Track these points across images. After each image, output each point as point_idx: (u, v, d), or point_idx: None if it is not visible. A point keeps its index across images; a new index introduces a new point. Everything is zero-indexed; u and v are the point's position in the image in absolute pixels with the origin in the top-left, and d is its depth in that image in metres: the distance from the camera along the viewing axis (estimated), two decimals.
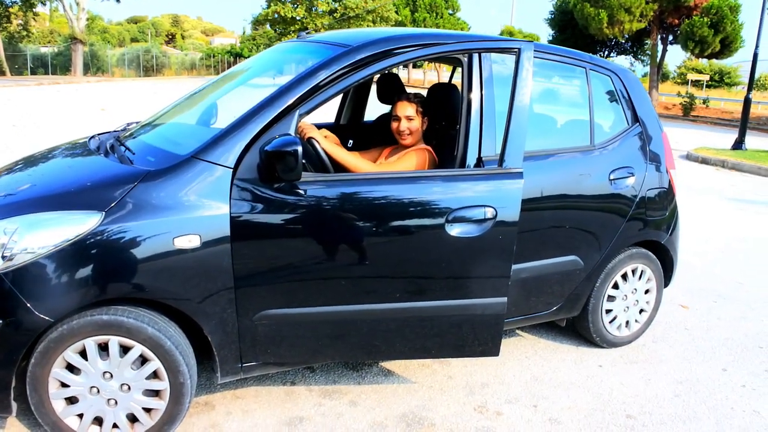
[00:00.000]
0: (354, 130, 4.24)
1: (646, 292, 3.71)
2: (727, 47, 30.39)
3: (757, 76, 50.38)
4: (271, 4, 44.29)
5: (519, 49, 2.61)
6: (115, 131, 3.36)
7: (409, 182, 2.54)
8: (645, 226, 3.50)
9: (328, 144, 2.80)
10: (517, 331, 3.85)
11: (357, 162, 2.82)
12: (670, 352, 3.71)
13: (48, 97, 20.48)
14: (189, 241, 2.34)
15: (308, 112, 2.50)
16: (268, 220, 2.42)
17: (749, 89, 14.34)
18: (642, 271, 3.63)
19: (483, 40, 2.72)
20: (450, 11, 51.45)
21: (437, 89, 3.36)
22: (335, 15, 43.55)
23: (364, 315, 2.58)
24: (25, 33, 39.85)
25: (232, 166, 2.40)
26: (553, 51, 3.23)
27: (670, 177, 3.61)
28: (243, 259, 2.42)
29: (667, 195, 3.59)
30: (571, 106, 3.55)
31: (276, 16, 44.37)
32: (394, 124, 3.11)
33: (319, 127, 4.35)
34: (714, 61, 40.94)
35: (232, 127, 2.44)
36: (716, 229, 6.88)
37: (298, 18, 43.81)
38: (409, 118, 3.06)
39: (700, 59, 39.80)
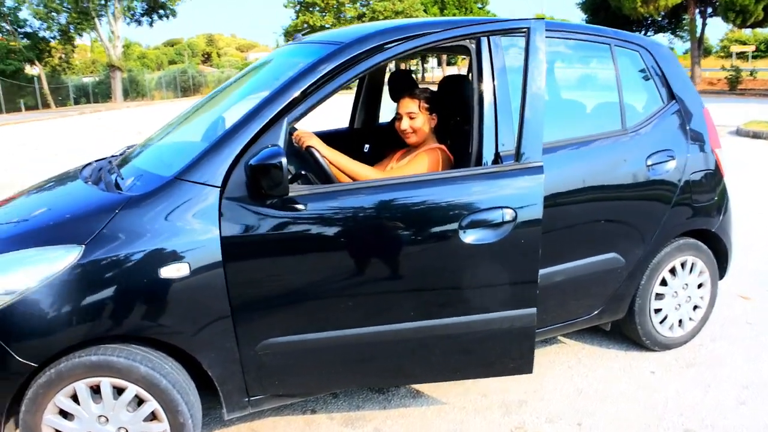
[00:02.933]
0: (370, 134, 4.01)
1: (699, 286, 3.35)
2: None
3: None
4: (300, 14, 44.55)
5: (528, 28, 2.33)
6: (113, 156, 3.20)
7: (415, 187, 2.28)
8: (692, 214, 3.15)
9: (329, 152, 2.57)
10: (558, 337, 3.54)
11: (361, 169, 2.58)
12: (731, 351, 3.34)
13: (89, 125, 20.95)
14: (177, 270, 2.14)
15: (298, 119, 2.27)
16: (263, 240, 2.20)
17: None
18: (693, 263, 3.28)
19: (484, 23, 2.44)
20: (479, 5, 50.82)
21: (448, 82, 3.10)
22: (364, 19, 43.50)
23: (377, 338, 2.33)
24: (66, 65, 41.06)
25: (219, 185, 2.19)
26: (571, 28, 2.92)
27: (716, 157, 3.25)
28: (239, 284, 2.21)
29: (714, 177, 3.22)
30: (597, 87, 3.24)
31: (305, 26, 44.60)
32: (397, 123, 2.86)
33: (329, 134, 4.16)
34: (758, 30, 39.18)
35: (217, 143, 2.23)
36: None
37: (327, 26, 43.94)
38: (411, 116, 2.80)
39: (742, 30, 38.18)
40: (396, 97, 3.47)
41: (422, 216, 2.26)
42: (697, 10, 30.64)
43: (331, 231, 2.23)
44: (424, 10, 44.78)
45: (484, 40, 2.56)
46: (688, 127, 3.14)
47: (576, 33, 2.90)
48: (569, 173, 2.78)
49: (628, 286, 3.08)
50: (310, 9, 44.34)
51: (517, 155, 2.31)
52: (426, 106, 2.82)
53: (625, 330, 3.32)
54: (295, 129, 2.75)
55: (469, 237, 2.26)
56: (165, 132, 3.07)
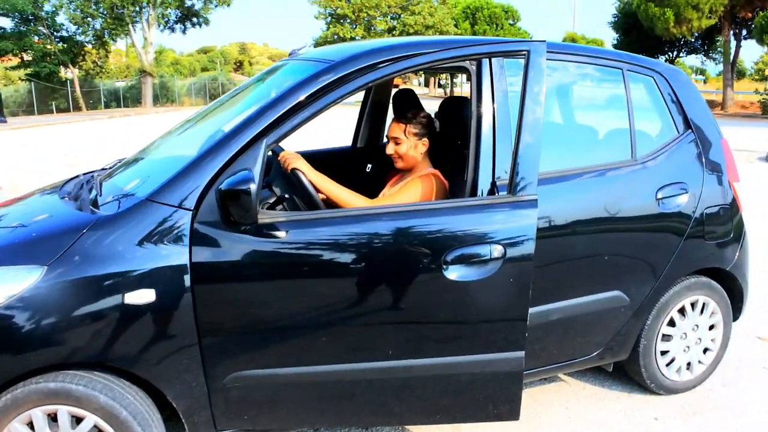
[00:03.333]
0: (372, 153, 3.88)
1: (711, 327, 3.15)
2: None
3: None
4: (330, 26, 44.82)
5: (528, 51, 2.18)
6: (102, 169, 3.12)
7: (398, 218, 2.14)
8: (705, 251, 2.96)
9: (315, 175, 2.45)
10: (560, 375, 3.35)
11: (347, 196, 2.45)
12: (744, 398, 3.12)
13: (116, 128, 21.22)
14: (142, 296, 2.03)
15: (277, 141, 2.15)
16: (235, 267, 2.08)
17: None
18: (704, 303, 3.08)
19: (480, 44, 2.30)
20: (510, 21, 50.61)
21: (448, 104, 2.96)
22: (394, 33, 43.58)
23: (354, 376, 2.19)
24: (100, 69, 41.82)
25: (192, 208, 2.07)
26: (578, 51, 2.76)
27: (734, 191, 3.05)
28: (208, 314, 2.09)
29: (730, 212, 3.03)
30: (607, 114, 3.06)
31: (335, 37, 44.84)
32: (387, 146, 2.74)
33: (331, 152, 4.04)
34: None
35: (191, 164, 2.12)
36: None
37: (357, 38, 44.12)
38: (397, 141, 2.67)
39: None
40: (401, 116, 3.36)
41: (404, 249, 2.12)
42: (732, 32, 30.14)
43: (307, 261, 2.10)
44: (455, 25, 44.76)
45: (485, 62, 2.42)
46: (704, 159, 2.96)
47: (585, 56, 2.74)
48: (572, 204, 2.62)
49: (633, 326, 2.89)
50: (341, 21, 44.60)
51: (511, 187, 2.16)
52: (414, 131, 2.69)
53: (629, 371, 3.12)
54: (282, 149, 2.64)
55: (453, 273, 2.11)
56: (158, 144, 2.98)
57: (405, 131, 2.66)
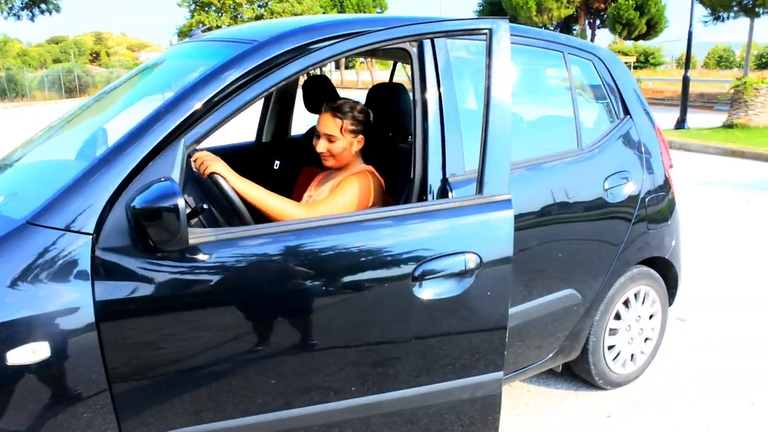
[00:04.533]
0: (280, 148, 3.47)
1: (651, 317, 3.08)
2: (653, 28, 30.96)
3: (679, 55, 51.86)
4: (195, 14, 42.74)
5: (489, 29, 1.90)
6: None
7: (351, 229, 1.76)
8: (648, 240, 2.87)
9: (238, 181, 2.02)
10: None
11: (281, 205, 2.05)
12: (683, 382, 3.09)
13: None
14: (32, 352, 1.53)
15: (199, 140, 1.72)
16: (154, 303, 1.63)
17: (686, 68, 14.20)
18: (645, 293, 3.00)
19: (436, 22, 1.98)
20: (378, 10, 50.86)
21: (378, 92, 2.63)
22: (262, 20, 42.29)
23: (309, 421, 1.82)
24: None
25: (92, 231, 1.59)
26: (522, 33, 2.53)
27: (668, 177, 2.99)
28: (122, 365, 1.62)
29: (667, 199, 2.96)
30: (550, 101, 2.88)
31: (201, 26, 42.80)
32: (314, 142, 2.37)
33: (232, 149, 3.58)
34: (639, 42, 41.73)
35: (86, 173, 1.63)
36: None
37: (224, 26, 42.35)
38: (330, 138, 2.32)
39: (626, 42, 40.49)
40: (312, 106, 2.98)
41: (365, 266, 1.77)
42: (587, 22, 32.16)
43: (245, 289, 1.70)
44: (324, 13, 44.27)
45: (426, 43, 2.12)
46: (642, 146, 2.85)
47: (529, 38, 2.52)
48: (522, 200, 2.38)
49: (584, 324, 2.74)
50: (206, 9, 42.70)
51: (480, 185, 1.87)
52: (351, 128, 2.34)
53: (577, 370, 2.98)
54: (195, 150, 2.19)
55: (425, 291, 1.79)
56: (31, 146, 2.41)
57: (341, 128, 2.30)
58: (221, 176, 1.97)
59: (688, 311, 3.97)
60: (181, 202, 1.48)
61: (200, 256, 1.65)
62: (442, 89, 2.12)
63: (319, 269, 1.73)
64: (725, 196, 7.31)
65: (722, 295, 4.23)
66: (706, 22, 24.47)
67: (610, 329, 2.90)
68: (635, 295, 2.96)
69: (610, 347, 2.94)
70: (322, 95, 2.86)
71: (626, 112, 2.84)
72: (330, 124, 2.30)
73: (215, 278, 1.66)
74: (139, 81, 2.67)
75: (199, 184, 2.11)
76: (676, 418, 2.79)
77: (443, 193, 2.08)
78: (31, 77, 45.40)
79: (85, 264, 1.58)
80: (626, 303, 2.93)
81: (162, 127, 1.67)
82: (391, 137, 2.60)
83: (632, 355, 3.05)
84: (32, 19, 37.22)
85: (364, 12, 46.85)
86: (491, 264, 1.85)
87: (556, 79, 2.71)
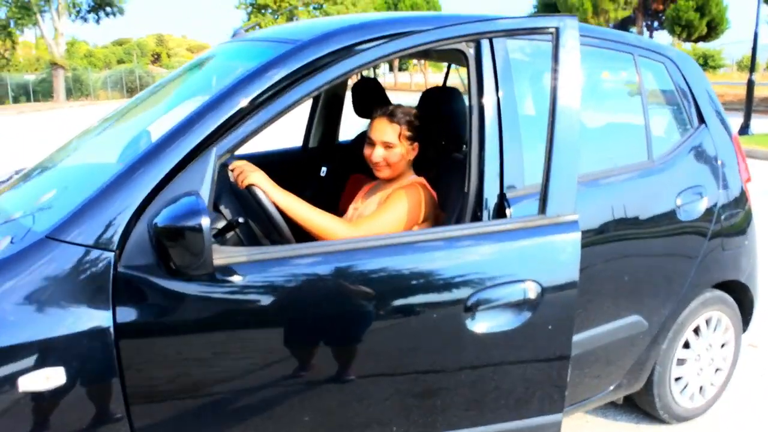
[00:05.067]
0: (327, 154, 3.33)
1: (722, 345, 2.81)
2: (713, 30, 29.79)
3: (740, 57, 49.92)
4: (251, 16, 43.39)
5: (556, 28, 1.69)
6: None
7: (396, 252, 1.58)
8: (723, 262, 2.60)
9: (280, 194, 1.86)
10: None
11: (326, 221, 1.88)
12: (757, 419, 2.80)
13: (27, 125, 19.48)
14: (46, 378, 1.40)
15: (232, 150, 1.57)
16: (179, 328, 1.49)
17: (752, 71, 13.50)
18: (718, 319, 2.72)
19: (496, 20, 1.78)
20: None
21: (432, 96, 2.44)
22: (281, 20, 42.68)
23: None
24: (6, 61, 38.71)
25: (115, 248, 1.46)
26: (588, 32, 2.30)
27: (746, 192, 2.71)
28: (143, 394, 1.49)
29: (745, 218, 2.68)
30: (618, 107, 2.64)
31: (257, 28, 43.38)
32: (368, 151, 2.17)
33: (277, 154, 3.45)
34: (698, 45, 40.30)
35: (110, 185, 1.51)
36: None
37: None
38: (389, 146, 2.13)
39: (685, 44, 39.21)
40: (363, 111, 2.82)
41: (412, 292, 1.59)
42: (645, 24, 31.19)
43: (279, 315, 1.54)
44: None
45: (485, 44, 1.92)
46: (718, 158, 2.58)
47: (596, 38, 2.28)
48: (588, 218, 2.16)
49: (650, 353, 2.49)
50: (263, 11, 43.27)
51: (543, 204, 1.67)
52: (408, 134, 2.16)
53: (639, 402, 2.73)
54: (234, 158, 2.04)
55: (479, 324, 1.60)
56: (70, 150, 2.32)
57: (399, 134, 2.13)
58: (260, 188, 1.81)
59: (759, 336, 3.64)
60: (205, 221, 1.33)
61: (230, 278, 1.50)
62: (501, 94, 1.93)
63: (361, 294, 1.56)
64: None
65: None
66: None
67: (678, 359, 2.64)
68: (707, 322, 2.69)
69: (678, 379, 2.68)
70: (372, 99, 2.71)
71: (701, 120, 2.58)
72: (387, 130, 2.13)
73: (247, 302, 1.51)
74: (185, 80, 2.56)
75: (237, 195, 1.96)
76: None
77: (500, 209, 1.88)
78: (96, 77, 46.98)
79: (106, 283, 1.45)
80: (696, 330, 2.67)
81: (193, 136, 1.53)
82: (445, 146, 2.42)
83: (701, 388, 2.78)
84: (98, 21, 38.47)
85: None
86: (554, 295, 1.64)
87: (624, 82, 2.47)
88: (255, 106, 1.57)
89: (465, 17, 1.88)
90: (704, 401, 2.80)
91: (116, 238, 1.46)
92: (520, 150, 1.95)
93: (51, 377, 1.41)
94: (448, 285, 1.59)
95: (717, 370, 2.82)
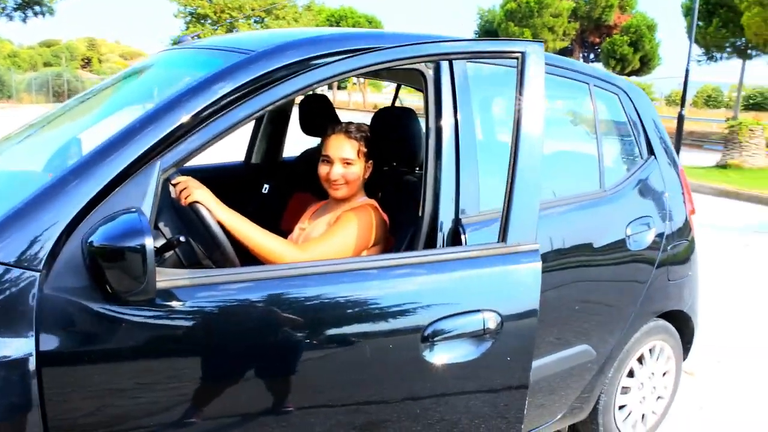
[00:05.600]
0: (271, 171, 3.21)
1: (664, 374, 2.83)
2: (646, 65, 31.26)
3: (668, 92, 52.56)
4: (190, 26, 42.59)
5: (522, 53, 1.66)
6: None
7: (349, 278, 1.50)
8: (668, 292, 2.63)
9: (224, 213, 1.74)
10: None
11: (273, 243, 1.77)
12: None
13: None
14: None
15: (179, 164, 1.45)
16: (111, 357, 1.35)
17: (682, 105, 14.16)
18: (661, 348, 2.75)
19: (461, 41, 1.73)
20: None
21: (384, 116, 2.38)
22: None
23: None
24: None
25: (41, 268, 1.31)
26: (550, 60, 2.29)
27: (690, 223, 2.76)
28: (65, 430, 1.34)
29: (689, 249, 2.73)
30: (570, 135, 2.65)
31: (195, 37, 42.64)
32: (323, 169, 2.08)
33: (218, 169, 3.30)
34: (633, 78, 42.21)
35: (39, 195, 1.36)
36: None
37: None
38: (347, 162, 2.05)
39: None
40: (310, 128, 2.73)
41: (364, 320, 1.50)
42: (582, 55, 32.42)
43: (222, 343, 1.42)
44: None
45: (444, 65, 1.88)
46: (665, 189, 2.62)
47: (555, 66, 2.28)
48: (541, 246, 2.14)
49: (596, 382, 2.48)
50: (202, 21, 42.55)
51: (503, 232, 1.62)
52: (365, 150, 2.09)
53: (583, 430, 2.71)
54: (177, 173, 1.91)
55: (438, 355, 1.52)
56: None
57: (358, 151, 2.05)
58: (204, 206, 1.69)
59: (694, 364, 3.73)
60: (149, 242, 1.21)
61: (170, 303, 1.37)
62: (459, 116, 1.89)
63: (309, 322, 1.46)
64: (723, 239, 7.13)
65: (728, 346, 4.01)
66: (700, 61, 24.71)
67: (622, 387, 2.64)
68: (650, 351, 2.71)
69: (621, 407, 2.68)
70: (321, 116, 2.62)
71: (650, 151, 2.62)
72: (346, 146, 2.04)
73: (187, 329, 1.38)
74: (122, 87, 2.41)
75: (178, 211, 1.83)
76: None
77: (455, 235, 1.83)
78: (20, 79, 45.00)
79: (29, 307, 1.30)
80: (640, 359, 2.69)
81: (135, 146, 1.40)
82: (395, 167, 2.35)
83: (643, 416, 2.79)
84: (24, 20, 36.77)
85: None
86: (514, 324, 1.59)
87: (581, 112, 2.48)
88: (206, 117, 1.46)
89: (428, 36, 1.83)
90: (645, 429, 2.82)
91: (43, 257, 1.31)
92: (476, 175, 1.91)
93: None
94: (403, 313, 1.52)
95: (658, 398, 2.85)
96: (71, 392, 1.33)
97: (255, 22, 43.42)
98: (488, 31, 36.72)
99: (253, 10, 42.10)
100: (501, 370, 1.60)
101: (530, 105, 1.64)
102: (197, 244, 1.80)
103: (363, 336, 1.48)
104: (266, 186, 3.13)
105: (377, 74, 2.41)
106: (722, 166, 12.48)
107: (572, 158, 2.62)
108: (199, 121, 1.45)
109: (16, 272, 1.30)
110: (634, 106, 2.58)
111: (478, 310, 1.56)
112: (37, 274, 1.31)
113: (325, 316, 1.47)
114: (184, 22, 43.30)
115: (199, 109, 1.45)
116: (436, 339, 1.52)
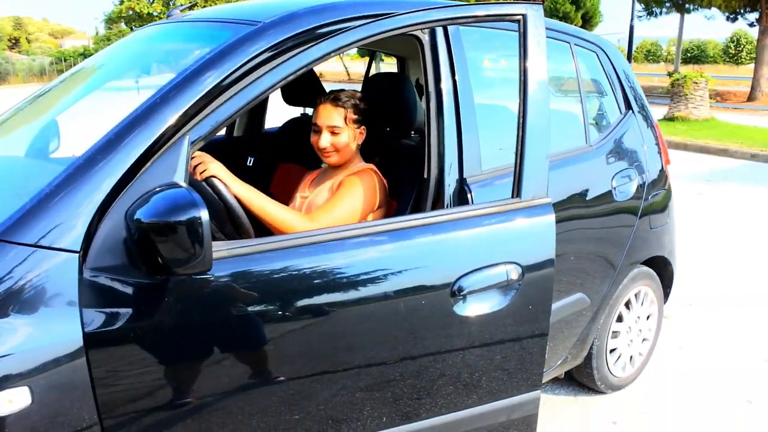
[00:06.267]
0: (254, 144, 3.19)
1: (648, 317, 3.00)
2: (588, 22, 31.61)
3: None
4: (124, 0, 40.95)
5: (523, 15, 1.71)
6: None
7: (380, 240, 1.54)
8: (650, 239, 2.77)
9: (240, 187, 1.76)
10: None
11: (284, 214, 1.81)
12: (680, 385, 3.02)
13: None
14: (8, 401, 1.25)
15: (205, 138, 1.46)
16: (155, 333, 1.37)
17: (629, 61, 14.51)
18: (645, 293, 2.91)
19: (462, 5, 1.76)
20: None
21: (378, 82, 2.41)
22: (196, 8, 40.88)
23: None
24: None
25: (79, 249, 1.32)
26: None
27: (667, 174, 2.90)
28: (117, 408, 1.36)
29: (667, 197, 2.88)
30: (557, 94, 2.72)
31: (131, 12, 41.05)
32: (314, 138, 2.11)
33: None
34: None
35: (70, 176, 1.36)
36: None
37: (155, 14, 40.73)
38: (335, 131, 2.07)
39: None
40: (293, 99, 2.73)
41: (397, 283, 1.55)
42: None
43: (266, 311, 1.45)
44: None
45: (439, 31, 1.92)
46: (643, 142, 2.74)
47: None
48: None
49: (590, 329, 2.62)
50: None
51: (517, 188, 1.69)
52: (354, 117, 2.11)
53: (578, 375, 2.86)
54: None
55: (468, 308, 1.60)
56: None
57: (345, 117, 2.07)
58: (221, 181, 1.71)
59: (668, 308, 3.93)
60: (204, 214, 1.23)
61: (211, 276, 1.39)
62: (457, 77, 1.93)
63: (352, 283, 1.51)
64: (677, 189, 7.41)
65: (696, 290, 4.24)
66: (641, 17, 25.24)
67: (613, 332, 2.79)
68: (636, 296, 2.86)
69: (612, 350, 2.83)
70: (305, 87, 2.62)
71: (628, 106, 2.72)
72: (333, 114, 2.06)
73: (231, 301, 1.41)
74: (102, 67, 2.36)
75: (195, 189, 1.84)
76: (682, 419, 2.72)
77: (461, 195, 1.89)
78: None
79: (71, 288, 1.31)
80: (627, 304, 2.83)
81: (160, 120, 1.40)
82: (390, 132, 2.39)
83: (631, 357, 2.96)
84: None
85: None
86: (534, 276, 1.67)
87: (563, 72, 2.55)
88: (228, 86, 1.47)
89: (427, 3, 1.86)
90: (633, 370, 2.99)
91: (80, 238, 1.32)
92: (476, 136, 1.96)
93: (14, 400, 1.25)
94: (432, 271, 1.58)
95: (644, 340, 3.01)
96: (119, 371, 1.35)
97: None
98: None
99: None
100: (524, 320, 1.69)
101: (535, 65, 1.70)
102: (213, 222, 1.81)
103: (396, 293, 1.54)
104: (250, 159, 3.12)
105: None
106: (669, 118, 12.89)
107: (559, 116, 2.70)
108: (222, 91, 1.46)
109: (53, 255, 1.31)
110: (611, 62, 2.68)
111: (501, 263, 1.64)
112: (76, 255, 1.32)
113: (363, 278, 1.51)
114: None
115: (222, 79, 1.46)
116: (463, 293, 1.59)
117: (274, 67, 1.53)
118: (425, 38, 1.93)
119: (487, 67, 2.50)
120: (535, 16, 1.72)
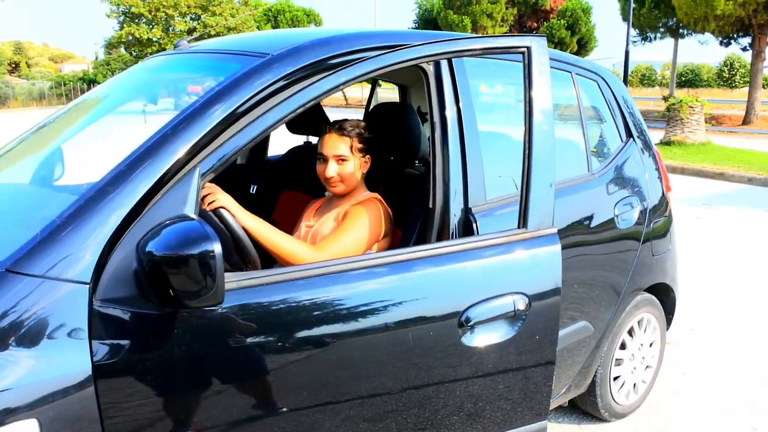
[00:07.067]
0: (257, 171, 3.21)
1: (651, 344, 3.00)
2: (583, 47, 32.08)
3: None
4: (125, 25, 41.33)
5: (528, 48, 1.74)
6: None
7: (387, 271, 1.55)
8: (653, 266, 2.78)
9: (249, 218, 1.78)
10: None
11: (291, 245, 1.81)
12: (681, 413, 3.01)
13: None
14: None
15: (216, 170, 1.48)
16: (166, 366, 1.37)
17: (625, 84, 14.63)
18: (648, 320, 2.91)
19: (469, 38, 1.79)
20: (313, 26, 50.70)
21: (382, 111, 2.43)
22: (194, 34, 41.28)
23: None
24: None
25: (89, 280, 1.32)
26: None
27: (668, 201, 2.92)
28: None
29: (668, 224, 2.89)
30: (559, 123, 2.75)
31: (130, 38, 41.43)
32: (320, 167, 2.12)
33: None
34: None
35: (81, 207, 1.37)
36: None
37: (155, 39, 41.12)
38: (341, 159, 2.08)
39: None
40: (296, 127, 2.75)
41: (404, 315, 1.56)
42: None
43: (274, 343, 1.45)
44: (258, 28, 43.67)
45: (443, 62, 1.95)
46: (644, 169, 2.77)
47: None
48: None
49: (594, 356, 2.61)
50: (136, 20, 41.34)
51: (523, 218, 1.70)
52: (359, 146, 2.13)
53: (581, 403, 2.85)
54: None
55: (476, 338, 1.60)
56: None
57: (351, 147, 2.09)
58: (229, 212, 1.72)
59: (670, 334, 3.92)
60: (217, 248, 1.24)
61: (220, 308, 1.40)
62: (461, 106, 1.96)
63: (359, 314, 1.51)
64: (676, 213, 7.46)
65: (698, 315, 4.23)
66: (635, 42, 25.56)
67: (616, 359, 2.79)
68: (638, 323, 2.86)
69: (615, 378, 2.82)
70: (308, 115, 2.64)
71: (628, 134, 2.75)
72: (339, 144, 2.08)
73: (240, 332, 1.41)
74: (114, 95, 2.39)
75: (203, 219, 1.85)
76: None
77: (467, 224, 1.90)
78: None
79: (80, 320, 1.31)
80: (630, 331, 2.83)
81: (171, 152, 1.42)
82: (394, 161, 2.41)
83: (634, 385, 2.95)
84: None
85: (298, 26, 46.63)
86: (540, 305, 1.68)
87: (564, 101, 2.58)
88: (239, 118, 1.49)
89: (434, 35, 1.88)
90: (637, 397, 2.98)
91: (90, 269, 1.32)
92: (481, 165, 1.98)
93: (22, 431, 1.24)
94: (440, 301, 1.58)
95: (647, 367, 3.01)
96: (128, 402, 1.35)
97: (191, 19, 42.49)
98: (427, 20, 36.90)
99: (189, 7, 41.15)
100: (530, 349, 1.69)
101: (539, 96, 1.72)
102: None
103: (404, 324, 1.54)
104: (254, 186, 3.14)
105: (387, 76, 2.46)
106: (666, 143, 12.99)
107: (562, 145, 2.72)
108: (233, 124, 1.48)
109: (64, 286, 1.31)
110: (612, 91, 2.71)
111: (508, 294, 1.64)
112: (86, 287, 1.32)
113: (372, 309, 1.52)
114: (117, 21, 42.02)
115: (232, 111, 1.47)
116: (471, 323, 1.59)
117: (283, 100, 1.54)
118: (430, 69, 1.96)
119: (483, 91, 2.54)
120: (539, 48, 1.75)
